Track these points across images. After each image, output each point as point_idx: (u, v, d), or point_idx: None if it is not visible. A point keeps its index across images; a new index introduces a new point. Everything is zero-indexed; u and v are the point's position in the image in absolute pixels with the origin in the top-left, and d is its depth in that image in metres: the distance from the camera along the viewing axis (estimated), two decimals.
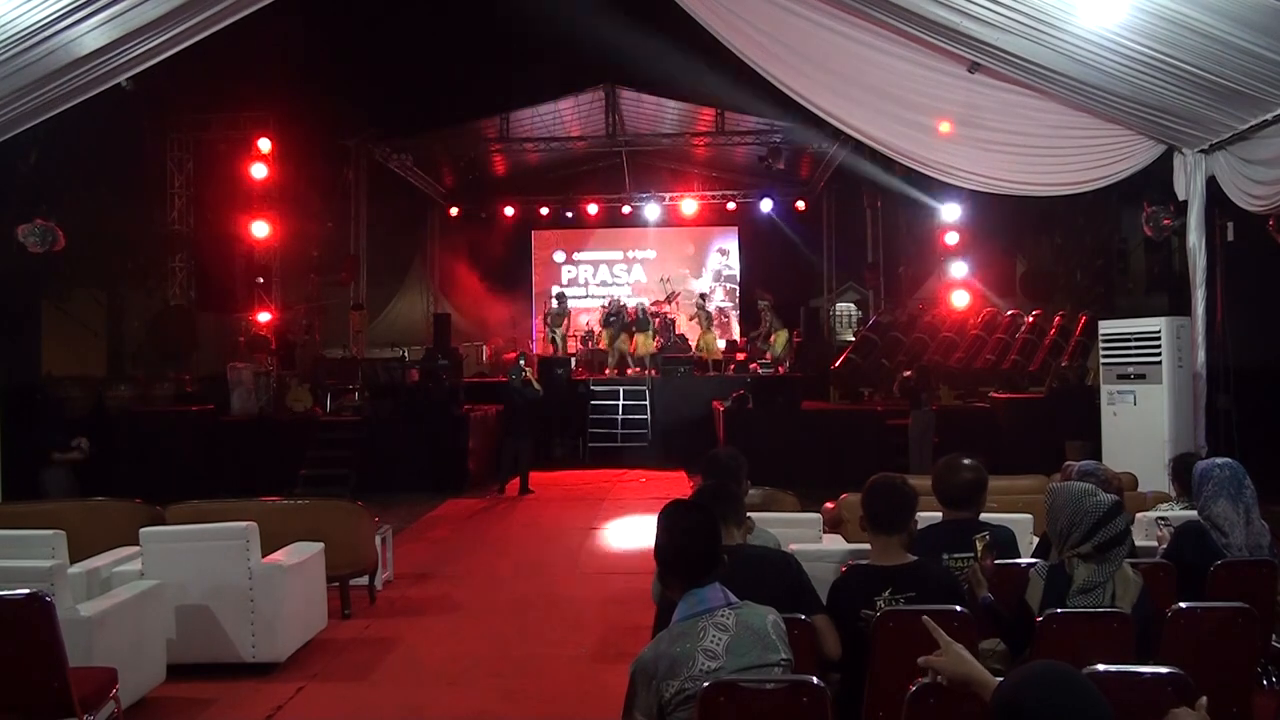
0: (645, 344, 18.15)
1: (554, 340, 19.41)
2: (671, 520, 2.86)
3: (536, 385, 13.02)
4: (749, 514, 3.82)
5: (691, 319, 19.64)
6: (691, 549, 2.78)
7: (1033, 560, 3.86)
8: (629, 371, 17.80)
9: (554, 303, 20.35)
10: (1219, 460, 4.16)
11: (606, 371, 17.88)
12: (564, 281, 22.37)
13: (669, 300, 20.26)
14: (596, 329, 19.72)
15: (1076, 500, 3.31)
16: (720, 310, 21.87)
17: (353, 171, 17.94)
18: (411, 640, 6.32)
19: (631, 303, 19.78)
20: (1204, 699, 2.07)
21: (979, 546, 3.60)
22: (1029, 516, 5.09)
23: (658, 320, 18.97)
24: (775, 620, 2.76)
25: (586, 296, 22.07)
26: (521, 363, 13.34)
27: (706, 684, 2.55)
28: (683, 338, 19.23)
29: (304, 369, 16.22)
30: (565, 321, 19.85)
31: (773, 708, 2.59)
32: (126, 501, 6.62)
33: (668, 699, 2.60)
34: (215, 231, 16.58)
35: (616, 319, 18.61)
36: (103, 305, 16.48)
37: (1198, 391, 8.00)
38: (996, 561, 3.67)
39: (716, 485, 3.73)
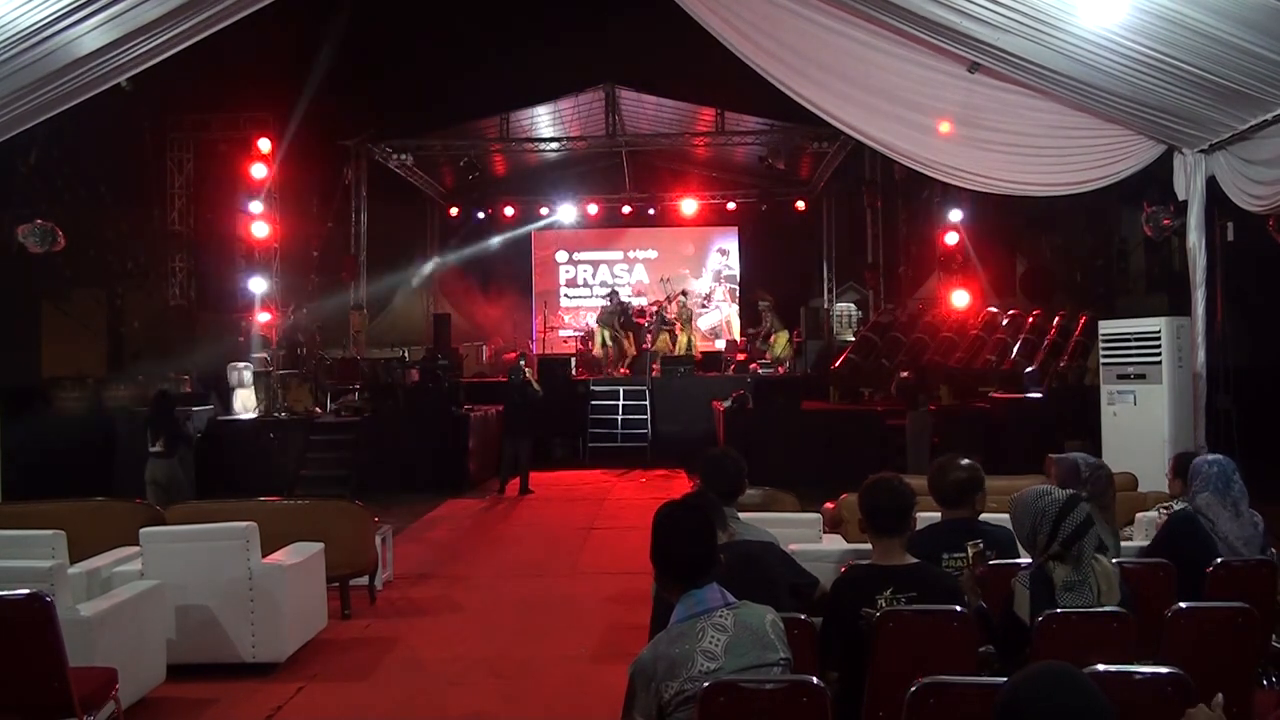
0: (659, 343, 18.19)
1: (604, 343, 18.63)
2: (666, 523, 2.86)
3: (536, 386, 13.03)
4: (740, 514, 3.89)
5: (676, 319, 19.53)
6: (688, 551, 2.78)
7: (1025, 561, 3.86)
8: (622, 371, 17.81)
9: (605, 300, 19.93)
10: (1209, 457, 4.35)
11: (622, 371, 17.83)
12: (563, 281, 22.34)
13: (669, 300, 20.27)
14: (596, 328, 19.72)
15: (1033, 503, 3.33)
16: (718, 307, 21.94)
17: (353, 171, 17.93)
18: (411, 640, 6.32)
19: (634, 303, 19.87)
20: (1219, 696, 2.09)
21: (970, 554, 3.60)
22: None
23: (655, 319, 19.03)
24: (774, 620, 2.77)
25: (591, 296, 22.07)
26: (521, 363, 13.35)
27: (706, 684, 2.55)
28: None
29: (304, 369, 16.22)
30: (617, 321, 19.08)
31: (772, 708, 2.59)
32: (126, 501, 6.62)
33: (667, 700, 2.61)
34: (215, 231, 16.59)
35: (657, 318, 18.56)
36: (103, 305, 16.49)
37: (1198, 391, 7.99)
38: (996, 562, 3.67)
39: (703, 494, 3.80)
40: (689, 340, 18.96)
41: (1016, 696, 1.82)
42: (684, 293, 20.48)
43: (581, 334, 20.62)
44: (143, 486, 9.32)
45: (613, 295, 19.86)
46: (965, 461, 3.99)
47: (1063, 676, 1.82)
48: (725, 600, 2.74)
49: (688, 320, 19.35)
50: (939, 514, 4.01)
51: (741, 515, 4.04)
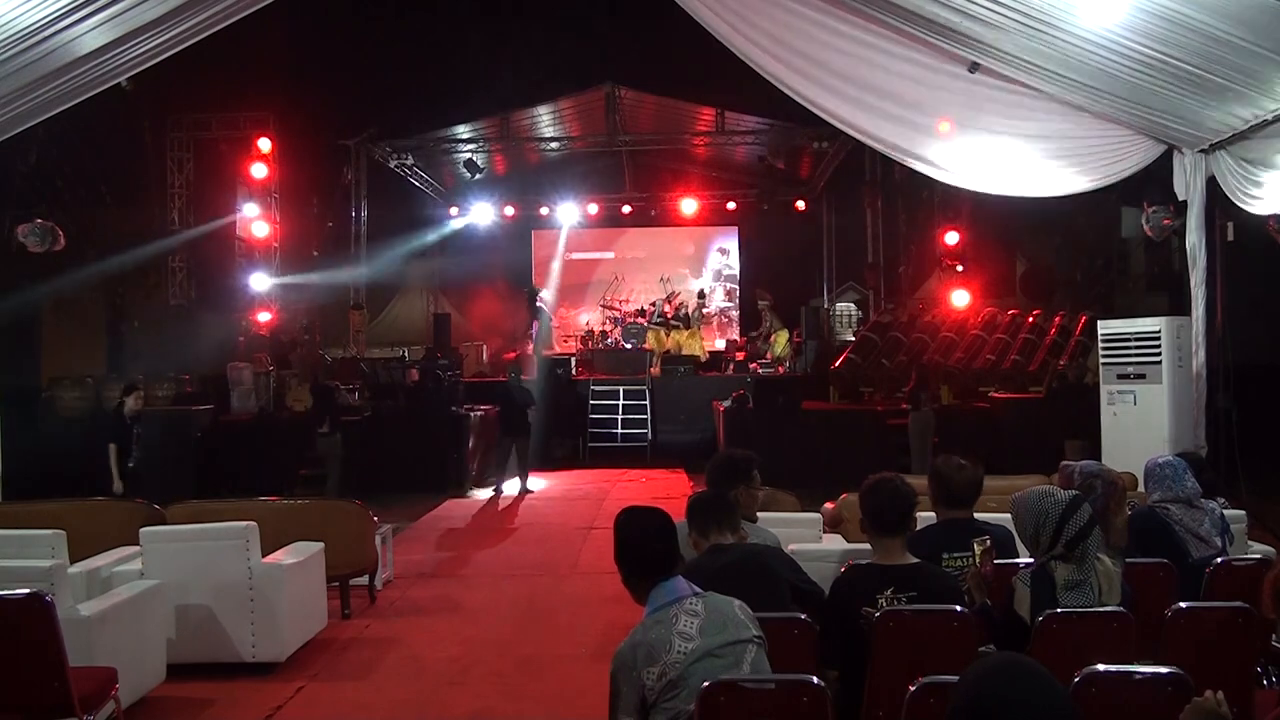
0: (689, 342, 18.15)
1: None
2: (628, 525, 3.02)
3: (527, 389, 13.06)
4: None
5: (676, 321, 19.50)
6: (655, 548, 2.91)
7: (1025, 560, 3.85)
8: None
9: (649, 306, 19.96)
10: (1160, 459, 4.51)
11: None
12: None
13: (669, 300, 20.28)
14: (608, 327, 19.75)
15: (1036, 504, 3.34)
16: (722, 310, 21.92)
17: (353, 171, 17.94)
18: (411, 640, 6.32)
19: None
20: (1220, 693, 2.11)
21: (978, 551, 3.58)
22: None
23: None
24: (742, 605, 2.86)
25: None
26: (520, 366, 13.39)
27: (706, 685, 2.57)
28: None
29: (304, 369, 16.21)
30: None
31: (773, 707, 2.59)
32: (126, 501, 6.61)
33: (650, 686, 2.67)
34: (215, 231, 16.60)
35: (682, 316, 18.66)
36: (103, 305, 16.48)
37: (1198, 391, 8.00)
38: (996, 562, 3.66)
39: (714, 495, 3.83)
40: (697, 343, 18.94)
41: (972, 688, 1.80)
42: (701, 294, 20.44)
43: (580, 333, 20.63)
44: (130, 489, 9.34)
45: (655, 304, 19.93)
46: (966, 462, 3.99)
47: (1018, 667, 1.82)
48: (693, 589, 2.84)
49: (698, 322, 19.32)
50: (934, 514, 4.00)
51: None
